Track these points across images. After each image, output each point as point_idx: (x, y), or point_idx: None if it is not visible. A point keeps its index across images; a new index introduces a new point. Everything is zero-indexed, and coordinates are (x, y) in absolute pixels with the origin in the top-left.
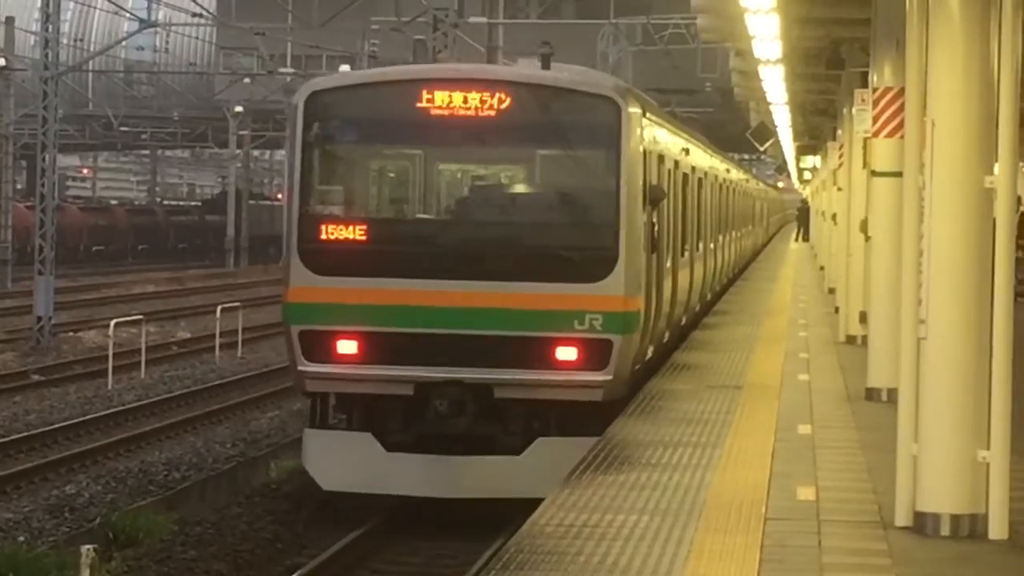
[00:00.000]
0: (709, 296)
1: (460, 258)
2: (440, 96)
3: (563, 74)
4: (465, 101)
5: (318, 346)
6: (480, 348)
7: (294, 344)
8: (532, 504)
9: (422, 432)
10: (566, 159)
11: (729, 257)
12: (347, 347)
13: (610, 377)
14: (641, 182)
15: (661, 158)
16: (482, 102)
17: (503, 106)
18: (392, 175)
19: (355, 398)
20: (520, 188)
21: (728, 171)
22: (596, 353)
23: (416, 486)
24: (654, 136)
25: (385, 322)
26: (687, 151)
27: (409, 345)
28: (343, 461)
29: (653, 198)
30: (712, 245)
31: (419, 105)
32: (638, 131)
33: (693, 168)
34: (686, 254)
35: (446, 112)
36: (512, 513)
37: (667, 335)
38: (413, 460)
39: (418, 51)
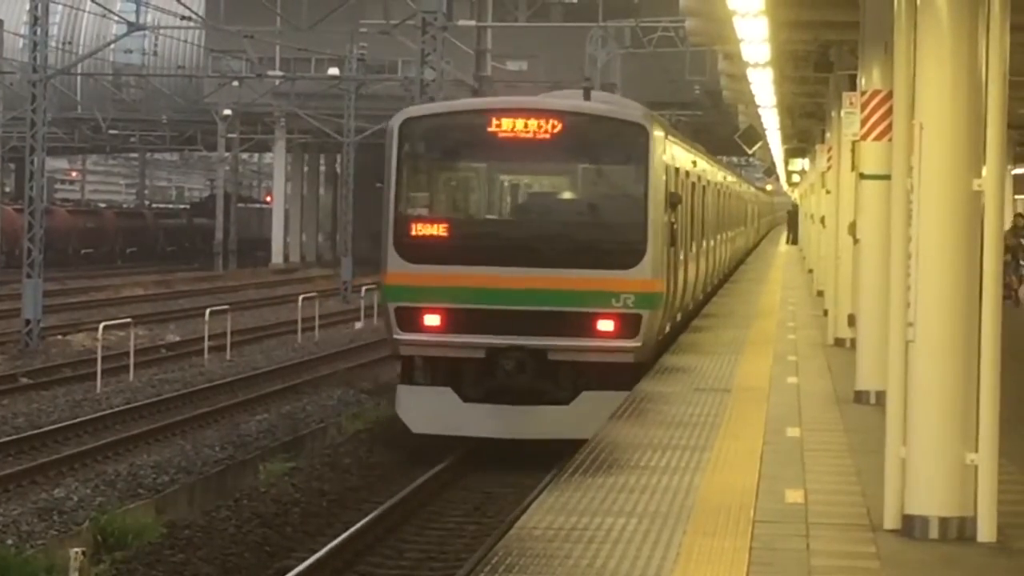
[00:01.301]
0: (709, 288)
1: (520, 249)
2: (506, 123)
3: (601, 104)
4: (525, 126)
5: (409, 319)
6: (537, 320)
7: (391, 317)
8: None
9: (491, 387)
10: (604, 172)
11: (726, 254)
12: (432, 320)
13: (640, 344)
14: (663, 190)
15: (676, 170)
16: (538, 127)
17: (555, 130)
18: (467, 184)
19: (438, 360)
20: (567, 195)
21: (724, 178)
22: (629, 325)
23: (486, 429)
24: (672, 153)
25: (462, 300)
26: (695, 163)
27: (481, 318)
28: (429, 410)
29: (672, 202)
30: (712, 243)
31: (489, 129)
32: (660, 149)
33: (699, 177)
34: (694, 249)
35: (510, 135)
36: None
37: (679, 316)
38: (484, 409)
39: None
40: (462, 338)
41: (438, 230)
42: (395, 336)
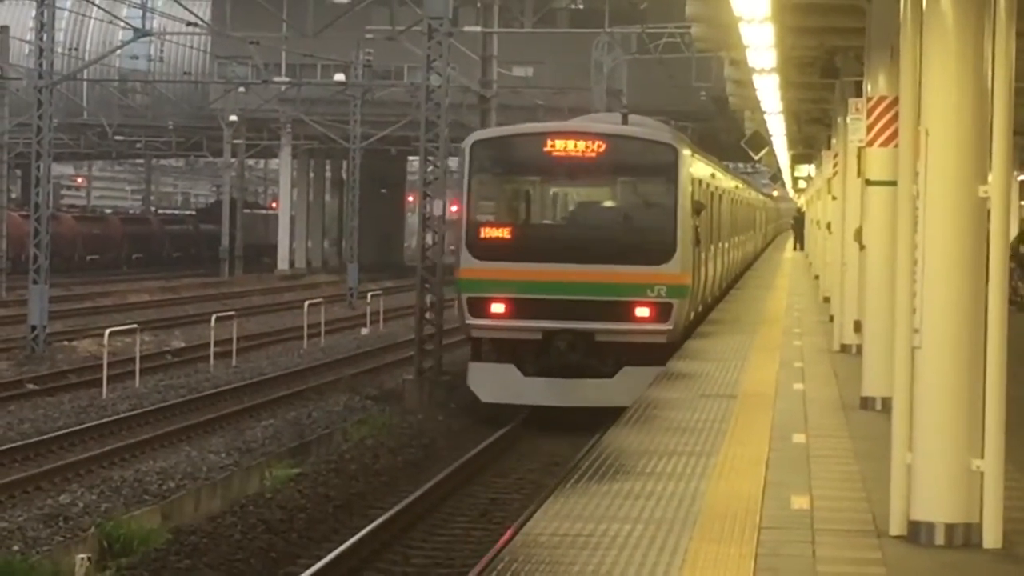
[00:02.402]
0: (725, 284)
1: (571, 249)
2: (559, 143)
3: (637, 128)
4: (575, 146)
5: (478, 307)
6: (585, 308)
7: (463, 306)
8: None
9: (547, 363)
10: (641, 184)
11: (739, 255)
12: (497, 308)
13: (671, 327)
14: (689, 199)
15: (700, 182)
16: (586, 147)
17: (600, 150)
18: (526, 195)
19: (502, 341)
20: (610, 203)
21: (736, 187)
22: (662, 311)
23: (542, 399)
24: (696, 167)
25: (523, 291)
26: (713, 175)
27: (538, 306)
28: (495, 383)
29: (697, 210)
30: (727, 244)
31: (545, 149)
32: (687, 165)
33: (716, 187)
34: (713, 250)
35: (562, 154)
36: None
37: (700, 306)
38: (541, 382)
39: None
40: (522, 323)
41: (503, 233)
42: (467, 321)
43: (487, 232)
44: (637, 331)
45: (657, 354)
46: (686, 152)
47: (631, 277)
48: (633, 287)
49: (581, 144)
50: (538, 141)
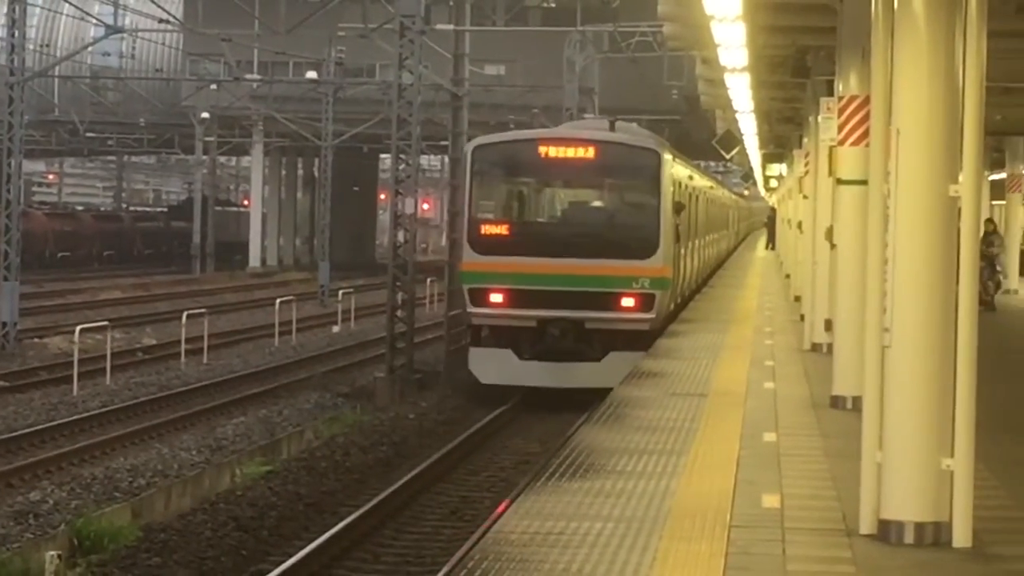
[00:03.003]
0: (702, 279)
1: (563, 244)
2: (552, 149)
3: (624, 134)
4: (567, 151)
5: (479, 297)
6: (576, 298)
7: (465, 296)
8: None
9: (541, 348)
10: (627, 186)
11: (714, 252)
12: (496, 297)
13: (653, 316)
14: (671, 199)
15: (679, 184)
16: (576, 151)
17: (588, 154)
18: (522, 195)
19: (500, 328)
20: (598, 203)
21: (711, 187)
22: (645, 302)
23: (537, 380)
24: (677, 171)
25: (519, 282)
26: (691, 177)
27: (534, 296)
28: (493, 366)
29: (677, 209)
30: (703, 242)
31: (539, 154)
32: (669, 169)
33: (694, 188)
34: (690, 246)
35: (555, 158)
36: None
37: (679, 298)
38: (535, 365)
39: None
40: (519, 311)
41: (501, 230)
42: (469, 310)
43: (487, 229)
44: (623, 319)
45: (641, 340)
46: (668, 157)
47: (617, 270)
48: (619, 279)
49: (572, 149)
50: (533, 146)
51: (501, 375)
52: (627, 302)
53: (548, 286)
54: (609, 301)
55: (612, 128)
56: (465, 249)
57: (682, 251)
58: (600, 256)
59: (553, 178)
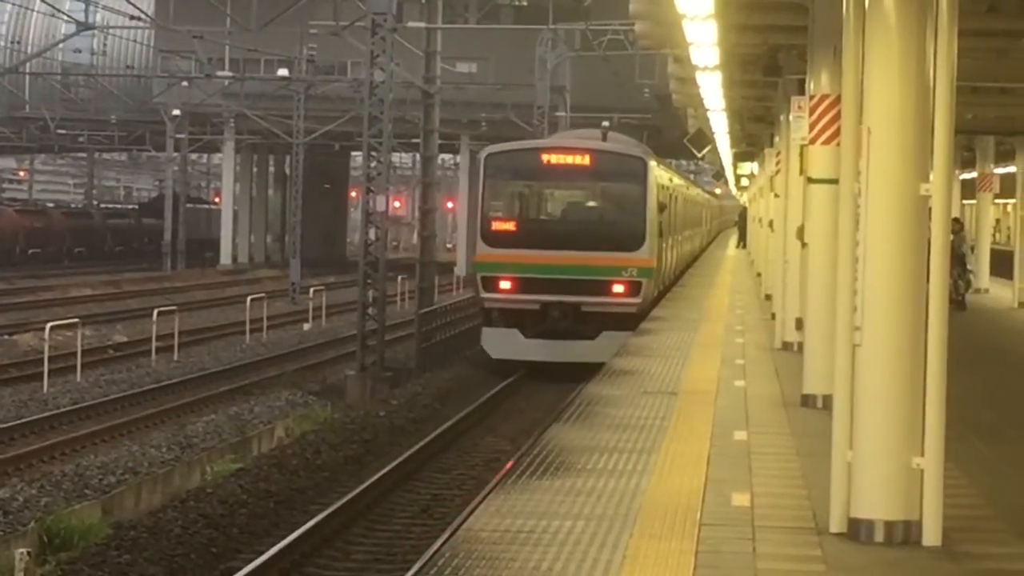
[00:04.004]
0: (680, 269)
1: (563, 238)
2: (553, 156)
3: (615, 143)
4: (566, 159)
5: (490, 284)
6: (573, 285)
7: (478, 282)
8: (595, 367)
9: (543, 328)
10: (619, 188)
11: (689, 247)
12: (505, 284)
13: (640, 300)
14: (656, 200)
15: (662, 186)
16: (574, 159)
17: (584, 161)
18: (528, 196)
19: (508, 311)
20: (593, 203)
21: (687, 188)
22: (633, 288)
23: (539, 355)
24: (660, 175)
25: (525, 271)
26: (671, 180)
27: (537, 283)
28: (502, 343)
29: (660, 208)
30: (681, 237)
31: (542, 160)
32: (654, 173)
33: (673, 190)
34: (671, 240)
35: (556, 163)
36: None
37: (662, 286)
38: (538, 342)
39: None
40: (524, 296)
41: (509, 226)
42: (481, 295)
43: (497, 225)
44: (614, 303)
45: (630, 322)
46: (652, 163)
47: (609, 261)
48: (611, 269)
49: (570, 156)
50: (537, 154)
51: (509, 351)
52: (618, 288)
53: (549, 274)
54: (602, 287)
55: (604, 138)
56: (478, 243)
57: (664, 245)
58: (594, 248)
59: (554, 181)
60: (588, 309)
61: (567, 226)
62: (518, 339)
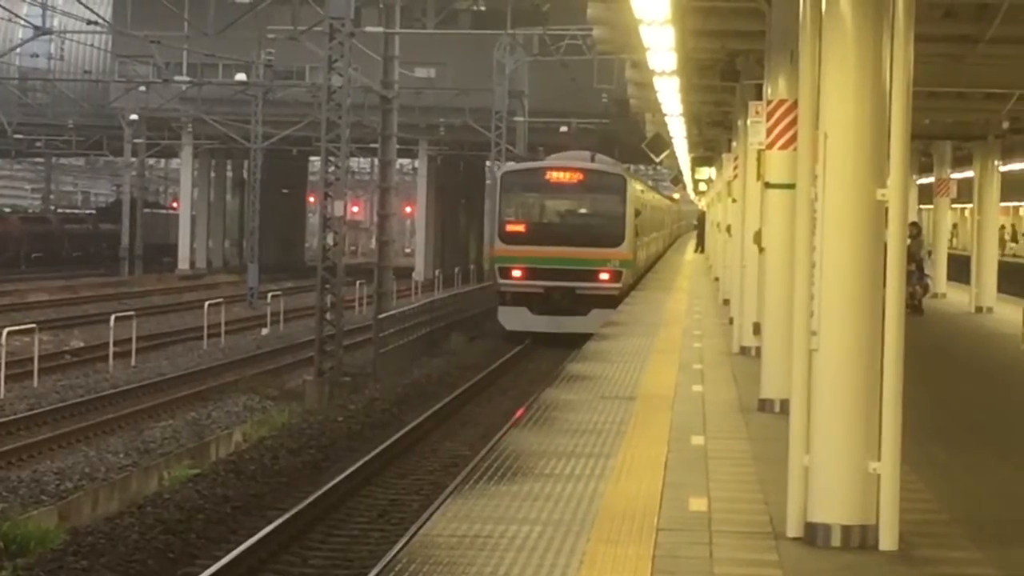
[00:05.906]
0: (650, 263)
1: (562, 237)
2: (555, 173)
3: (601, 164)
4: (565, 175)
5: (505, 272)
6: (570, 273)
7: (496, 272)
8: (587, 336)
9: (546, 306)
10: (604, 198)
11: (655, 247)
12: (517, 273)
13: (621, 285)
14: (633, 208)
15: (637, 197)
16: (570, 176)
17: (578, 179)
18: (534, 204)
19: (519, 293)
20: (585, 210)
21: (654, 197)
22: (615, 276)
23: (543, 327)
24: (635, 187)
25: (533, 263)
26: (642, 191)
27: (542, 272)
28: (514, 318)
29: (636, 213)
30: (649, 238)
31: (546, 176)
32: (631, 187)
33: (644, 198)
34: (643, 239)
35: (557, 180)
36: (580, 340)
37: (637, 276)
38: (543, 317)
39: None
40: (532, 282)
41: (521, 227)
42: (498, 281)
43: (511, 227)
44: (601, 287)
45: (613, 301)
46: (630, 179)
47: (597, 255)
48: (599, 261)
49: (567, 174)
50: (542, 171)
51: (519, 324)
52: (604, 276)
53: (551, 265)
54: (592, 275)
55: (593, 159)
56: (496, 241)
57: (638, 243)
58: (585, 245)
59: (555, 193)
60: (581, 292)
61: (565, 228)
62: (527, 315)
